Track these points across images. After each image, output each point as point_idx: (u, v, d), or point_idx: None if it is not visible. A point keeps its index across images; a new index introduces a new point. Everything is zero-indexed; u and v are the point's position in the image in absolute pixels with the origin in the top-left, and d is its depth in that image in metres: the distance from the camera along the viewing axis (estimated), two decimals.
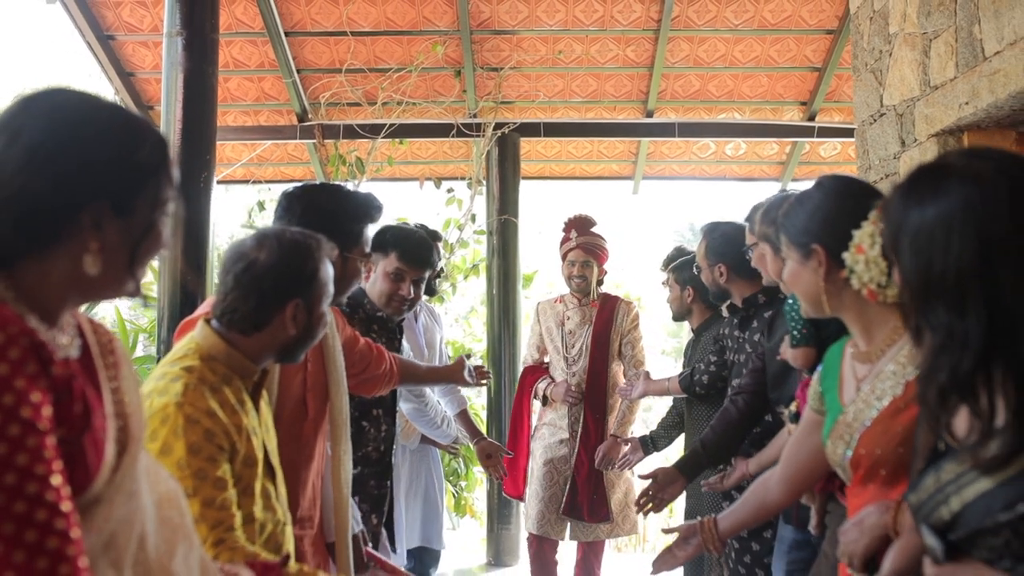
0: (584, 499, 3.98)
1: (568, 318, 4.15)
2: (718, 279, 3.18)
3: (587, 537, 4.05)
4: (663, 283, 3.87)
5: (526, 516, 4.17)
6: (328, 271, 1.81)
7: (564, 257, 4.13)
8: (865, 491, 1.69)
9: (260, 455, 1.70)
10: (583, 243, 4.06)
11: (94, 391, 1.11)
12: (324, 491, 2.27)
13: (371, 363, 2.63)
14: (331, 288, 1.81)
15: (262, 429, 1.75)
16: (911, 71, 3.30)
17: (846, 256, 1.65)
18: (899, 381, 1.63)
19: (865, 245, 1.63)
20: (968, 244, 1.11)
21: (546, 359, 4.26)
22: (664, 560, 2.24)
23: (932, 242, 1.14)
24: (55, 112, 1.09)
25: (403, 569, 2.61)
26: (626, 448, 3.85)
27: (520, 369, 4.72)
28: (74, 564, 0.95)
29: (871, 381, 1.69)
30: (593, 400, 4.05)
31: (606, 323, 4.09)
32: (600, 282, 4.17)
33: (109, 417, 1.12)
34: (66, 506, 0.96)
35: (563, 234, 4.16)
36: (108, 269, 1.11)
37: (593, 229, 4.11)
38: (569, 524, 4.02)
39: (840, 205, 1.71)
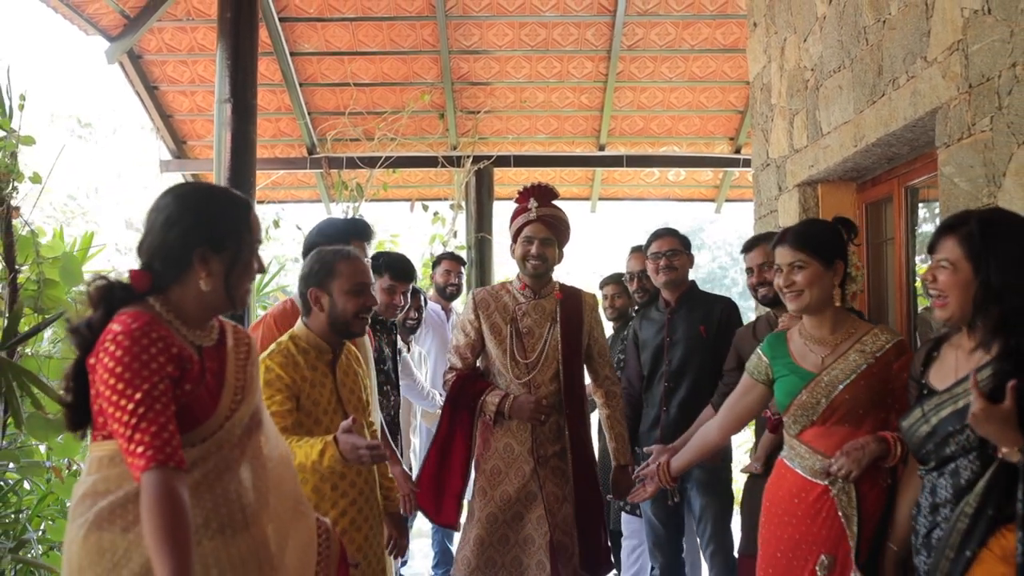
0: (597, 546, 3.06)
1: (524, 313, 3.11)
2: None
3: None
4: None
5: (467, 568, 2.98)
6: (341, 270, 2.42)
7: (519, 233, 3.11)
8: (836, 432, 2.26)
9: (327, 400, 2.42)
10: (545, 215, 3.09)
11: (216, 365, 1.64)
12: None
13: None
14: (345, 283, 2.42)
15: (342, 388, 2.48)
16: (783, 136, 4.18)
17: (851, 269, 2.34)
18: (870, 356, 2.27)
19: (859, 263, 2.33)
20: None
21: (479, 364, 3.21)
22: (637, 494, 2.80)
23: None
24: (180, 196, 1.65)
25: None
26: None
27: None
28: (163, 446, 1.44)
29: (839, 355, 2.30)
30: (575, 418, 3.08)
31: (575, 320, 3.13)
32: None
33: (229, 378, 1.65)
34: (172, 424, 1.47)
35: (518, 205, 3.17)
36: (216, 289, 1.61)
37: (555, 202, 3.19)
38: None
39: (841, 236, 2.40)
